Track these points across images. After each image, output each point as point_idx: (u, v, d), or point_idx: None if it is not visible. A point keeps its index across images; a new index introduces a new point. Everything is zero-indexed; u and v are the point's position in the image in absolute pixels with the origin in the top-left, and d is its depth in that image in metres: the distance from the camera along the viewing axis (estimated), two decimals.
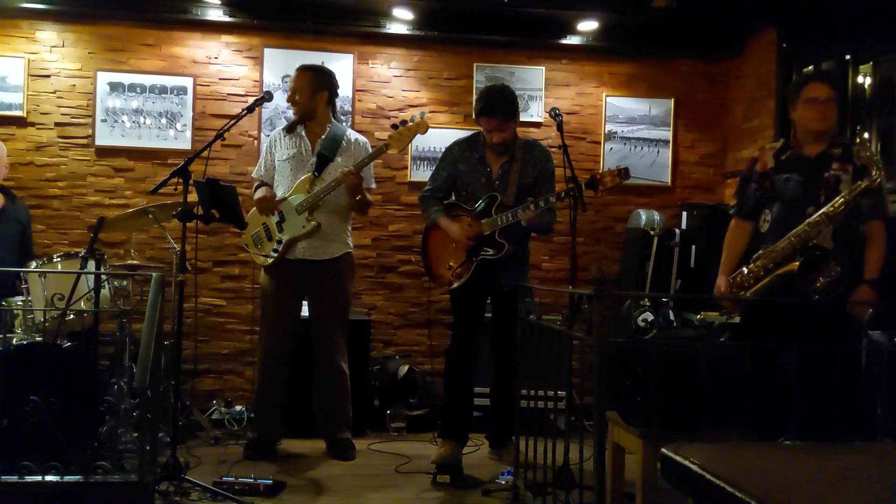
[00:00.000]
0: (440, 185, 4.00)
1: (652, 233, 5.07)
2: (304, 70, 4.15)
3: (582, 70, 5.52)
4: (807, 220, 3.10)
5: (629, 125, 5.51)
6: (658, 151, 5.53)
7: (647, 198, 5.53)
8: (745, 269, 3.25)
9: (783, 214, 3.21)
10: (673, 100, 5.55)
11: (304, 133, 4.13)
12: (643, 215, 5.18)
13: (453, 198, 4.02)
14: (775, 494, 1.13)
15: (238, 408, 4.82)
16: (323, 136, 4.10)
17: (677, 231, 5.14)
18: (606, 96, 5.50)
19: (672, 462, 1.32)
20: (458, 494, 3.58)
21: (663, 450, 1.36)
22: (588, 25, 5.25)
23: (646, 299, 4.83)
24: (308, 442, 4.27)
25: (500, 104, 3.79)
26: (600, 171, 3.65)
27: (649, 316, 4.74)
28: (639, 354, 2.77)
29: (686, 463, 1.29)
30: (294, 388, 4.22)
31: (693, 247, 5.08)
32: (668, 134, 5.54)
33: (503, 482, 3.61)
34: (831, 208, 3.06)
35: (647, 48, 5.52)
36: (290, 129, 4.15)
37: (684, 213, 5.36)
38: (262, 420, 4.16)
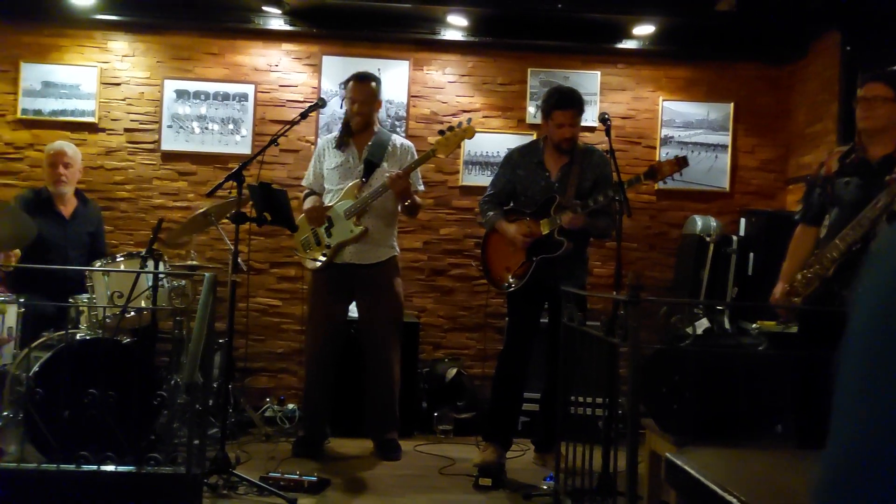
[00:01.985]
0: (500, 191, 4.03)
1: (707, 239, 4.98)
2: (366, 80, 4.17)
3: (638, 74, 5.46)
4: (851, 223, 2.96)
5: (686, 129, 5.42)
6: (716, 157, 5.43)
7: (704, 203, 5.42)
8: (799, 276, 3.15)
9: (840, 219, 3.06)
10: (732, 104, 5.43)
11: (351, 140, 4.21)
12: (699, 221, 5.09)
13: (511, 204, 4.03)
14: (767, 499, 1.13)
15: (290, 406, 4.94)
16: (370, 143, 4.17)
17: (734, 238, 5.03)
18: (663, 100, 5.43)
19: (673, 466, 1.33)
20: (499, 498, 3.60)
21: (667, 454, 1.36)
22: (644, 30, 5.20)
23: (699, 307, 4.74)
24: (356, 441, 4.35)
25: (573, 98, 3.85)
26: (658, 161, 3.64)
27: (703, 324, 4.64)
28: (676, 361, 2.74)
29: (685, 467, 1.29)
30: (342, 389, 4.30)
31: (751, 254, 4.96)
32: (726, 139, 5.43)
33: (545, 487, 3.61)
34: (871, 210, 2.90)
35: (705, 52, 5.42)
36: (341, 142, 4.20)
37: (743, 220, 5.24)
38: (308, 419, 4.26)
